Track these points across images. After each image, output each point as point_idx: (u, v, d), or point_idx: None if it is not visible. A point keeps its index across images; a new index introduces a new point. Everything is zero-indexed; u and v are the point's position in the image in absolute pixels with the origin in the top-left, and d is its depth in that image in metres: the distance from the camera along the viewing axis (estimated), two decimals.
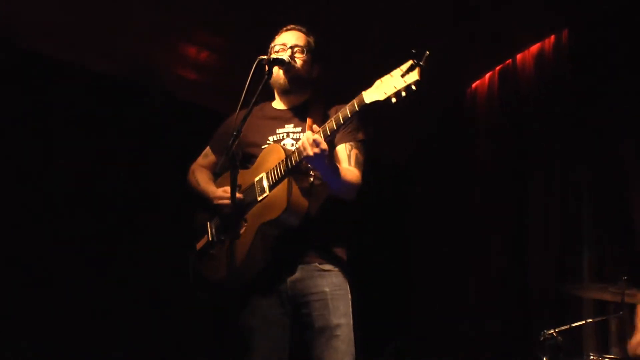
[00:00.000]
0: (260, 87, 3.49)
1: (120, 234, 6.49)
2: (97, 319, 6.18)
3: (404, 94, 3.14)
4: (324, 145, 3.30)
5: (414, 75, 3.11)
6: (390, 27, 6.56)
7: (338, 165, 3.57)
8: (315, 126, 3.37)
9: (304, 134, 3.37)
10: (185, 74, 7.19)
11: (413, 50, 3.12)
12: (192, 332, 6.45)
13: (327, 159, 3.38)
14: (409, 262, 8.57)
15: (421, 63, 3.10)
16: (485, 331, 7.44)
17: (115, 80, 6.72)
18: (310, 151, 3.30)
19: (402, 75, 3.14)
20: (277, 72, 3.74)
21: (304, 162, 3.49)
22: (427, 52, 3.10)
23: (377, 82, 3.23)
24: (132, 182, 6.60)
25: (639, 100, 6.58)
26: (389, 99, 3.18)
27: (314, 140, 3.29)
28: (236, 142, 3.32)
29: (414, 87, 3.12)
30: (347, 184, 3.57)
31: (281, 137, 3.76)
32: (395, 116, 6.87)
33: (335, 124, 3.35)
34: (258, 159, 3.70)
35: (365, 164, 3.72)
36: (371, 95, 3.23)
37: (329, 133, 3.36)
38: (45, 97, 6.31)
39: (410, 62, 3.13)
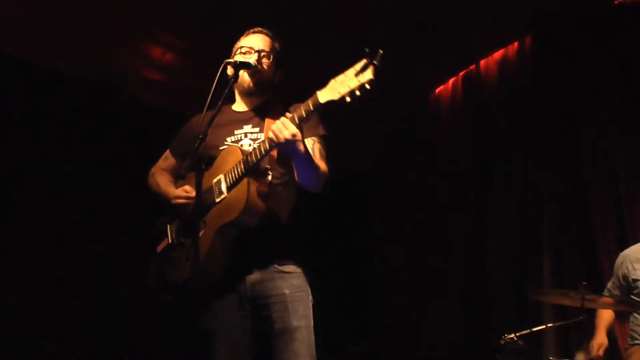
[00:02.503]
0: (227, 89, 3.48)
1: (83, 236, 6.43)
2: (62, 321, 6.15)
3: (358, 93, 3.15)
4: (294, 130, 3.30)
5: (368, 74, 3.11)
6: (354, 32, 6.58)
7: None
8: (287, 113, 3.37)
9: (274, 123, 3.35)
10: (150, 76, 7.16)
11: (366, 49, 3.13)
12: (154, 335, 6.42)
13: (302, 144, 3.38)
14: (371, 265, 8.59)
15: (375, 62, 3.11)
16: (446, 335, 7.48)
17: (79, 81, 6.68)
18: (282, 137, 3.29)
19: (356, 75, 3.14)
20: (243, 75, 3.73)
21: (261, 163, 3.49)
22: (381, 51, 3.10)
23: (332, 82, 3.24)
24: (95, 182, 6.56)
25: (600, 106, 6.67)
26: (343, 98, 3.18)
27: (285, 127, 3.29)
28: (202, 145, 3.31)
29: (368, 86, 3.13)
30: (319, 173, 3.57)
31: (239, 138, 3.74)
32: (359, 121, 6.90)
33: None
34: (216, 160, 3.67)
35: (328, 158, 3.72)
36: (325, 95, 3.24)
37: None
38: (9, 98, 6.25)
39: (364, 61, 3.13)
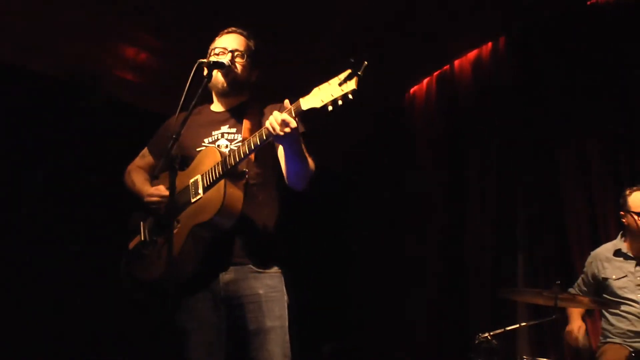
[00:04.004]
0: (200, 90, 3.48)
1: (57, 236, 6.40)
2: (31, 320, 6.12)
3: (340, 102, 3.16)
4: (294, 124, 3.28)
5: (352, 85, 3.12)
6: (329, 31, 6.59)
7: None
8: (286, 101, 3.35)
9: (272, 115, 3.31)
10: (124, 75, 7.13)
11: (352, 60, 3.14)
12: (126, 333, 6.39)
13: (299, 138, 3.38)
14: (347, 265, 8.59)
15: (359, 73, 3.12)
16: (421, 334, 7.51)
17: (54, 80, 6.64)
18: (280, 131, 3.27)
19: (340, 84, 3.15)
20: (217, 76, 3.73)
21: (239, 165, 3.49)
22: (366, 62, 3.11)
23: (315, 90, 3.24)
24: (69, 182, 6.53)
25: (573, 107, 6.71)
26: (325, 106, 3.20)
27: (283, 120, 3.26)
28: (175, 145, 3.30)
29: (350, 96, 3.14)
30: (309, 168, 3.57)
31: (216, 138, 3.75)
32: (334, 121, 6.89)
33: (265, 136, 3.36)
34: (194, 161, 3.68)
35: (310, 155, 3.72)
36: (308, 102, 3.25)
37: (265, 138, 3.37)
38: None
39: (348, 71, 3.14)
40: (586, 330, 5.48)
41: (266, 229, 3.67)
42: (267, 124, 3.31)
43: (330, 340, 7.63)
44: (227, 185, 3.46)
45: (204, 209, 3.49)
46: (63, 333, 6.22)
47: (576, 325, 5.49)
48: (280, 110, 3.33)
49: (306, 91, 3.28)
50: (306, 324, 4.73)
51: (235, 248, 3.58)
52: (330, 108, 3.19)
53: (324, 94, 3.20)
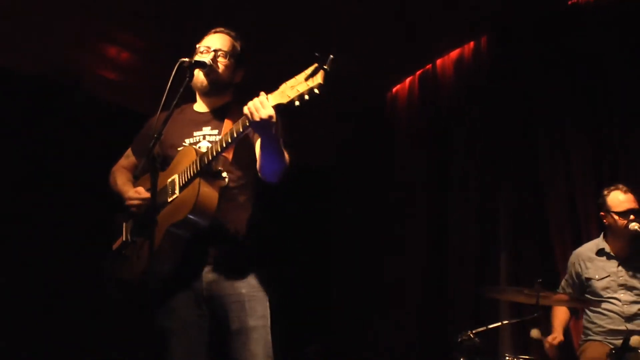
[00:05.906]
0: (182, 89, 3.48)
1: (41, 237, 6.38)
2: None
3: (307, 97, 3.15)
4: (271, 111, 3.24)
5: (318, 79, 3.11)
6: (311, 31, 6.59)
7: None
8: (262, 93, 3.32)
9: (251, 102, 3.29)
10: (106, 75, 7.11)
11: (316, 54, 3.13)
12: (108, 333, 6.38)
13: (275, 127, 3.35)
14: (329, 264, 8.60)
15: (325, 67, 3.11)
16: (404, 333, 7.52)
17: (34, 80, 6.61)
18: (257, 117, 3.24)
19: (306, 79, 3.14)
20: (198, 75, 3.71)
21: (217, 166, 3.51)
22: (332, 56, 3.11)
23: (283, 86, 3.24)
24: (51, 184, 6.50)
25: (555, 106, 6.74)
26: (292, 102, 3.19)
27: (262, 106, 3.25)
28: (156, 145, 3.30)
29: (316, 91, 3.13)
30: (283, 161, 3.56)
31: (198, 140, 3.75)
32: (316, 120, 6.91)
33: (242, 127, 3.36)
34: (173, 161, 3.69)
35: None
36: (275, 98, 3.24)
37: (235, 135, 3.37)
38: None
39: (314, 66, 3.13)
40: (561, 342, 5.50)
41: (246, 230, 3.68)
42: (246, 109, 3.28)
43: (313, 341, 7.63)
44: (201, 184, 3.45)
45: (179, 209, 3.50)
46: (52, 333, 6.22)
47: (551, 336, 5.50)
48: None
49: (275, 88, 3.28)
50: (290, 325, 4.75)
51: (216, 248, 3.59)
52: (297, 103, 3.18)
53: (290, 89, 3.20)
